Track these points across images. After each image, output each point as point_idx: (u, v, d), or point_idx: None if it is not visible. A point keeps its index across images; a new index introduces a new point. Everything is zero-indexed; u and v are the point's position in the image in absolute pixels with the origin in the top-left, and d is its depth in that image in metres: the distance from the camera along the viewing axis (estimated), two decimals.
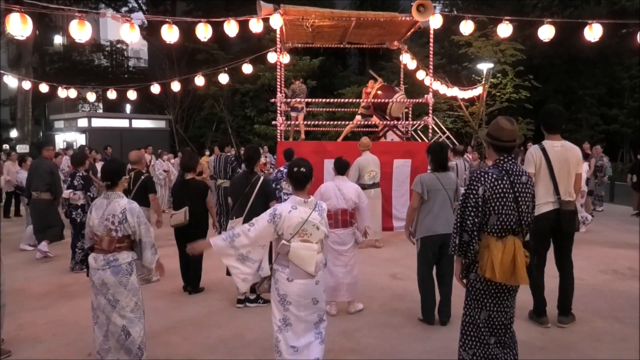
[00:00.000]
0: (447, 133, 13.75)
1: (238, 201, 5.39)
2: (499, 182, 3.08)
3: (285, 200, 7.38)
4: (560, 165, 4.64)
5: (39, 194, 7.56)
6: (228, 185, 8.69)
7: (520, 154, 9.13)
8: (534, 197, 3.23)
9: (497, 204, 3.07)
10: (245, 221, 5.16)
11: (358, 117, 11.25)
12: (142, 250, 3.83)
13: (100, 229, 3.70)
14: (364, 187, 7.67)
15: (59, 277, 6.72)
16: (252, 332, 4.76)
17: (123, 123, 23.75)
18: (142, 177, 6.45)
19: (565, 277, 4.84)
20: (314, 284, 3.36)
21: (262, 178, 5.43)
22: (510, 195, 3.09)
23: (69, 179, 7.16)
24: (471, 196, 3.08)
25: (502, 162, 3.16)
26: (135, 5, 29.67)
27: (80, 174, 7.02)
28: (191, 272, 6.05)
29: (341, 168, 5.46)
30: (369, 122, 11.50)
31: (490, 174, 3.10)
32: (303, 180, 3.40)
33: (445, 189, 4.80)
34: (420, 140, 12.35)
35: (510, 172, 3.12)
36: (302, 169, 3.39)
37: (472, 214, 3.07)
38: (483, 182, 3.07)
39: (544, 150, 4.68)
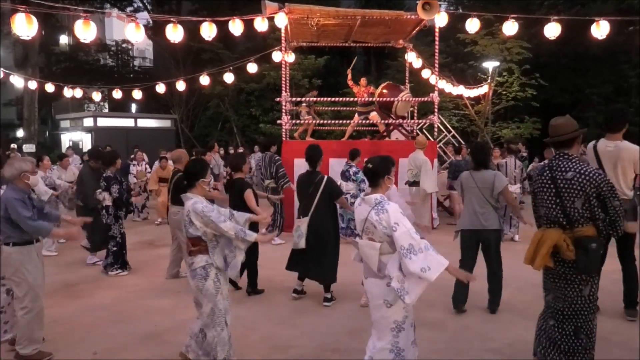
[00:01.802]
0: (453, 132, 13.69)
1: (303, 201, 5.54)
2: (540, 177, 3.42)
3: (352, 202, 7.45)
4: (613, 164, 4.71)
5: (78, 200, 7.69)
6: (275, 186, 8.63)
7: (505, 153, 9.10)
8: (588, 194, 3.25)
9: (540, 197, 3.45)
10: (310, 221, 5.37)
11: (356, 116, 11.22)
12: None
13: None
14: (407, 183, 8.68)
15: (65, 276, 6.74)
16: (257, 331, 4.75)
17: (129, 122, 23.84)
18: (176, 176, 6.35)
19: (626, 271, 4.95)
20: (384, 285, 3.24)
21: (326, 177, 5.52)
22: (551, 190, 3.34)
23: (104, 183, 6.99)
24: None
25: (553, 158, 3.42)
26: (140, 4, 29.71)
27: (105, 175, 6.92)
28: (247, 274, 5.95)
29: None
30: (369, 121, 11.45)
31: (537, 169, 3.47)
32: (369, 175, 3.41)
33: (479, 187, 5.00)
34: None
35: (554, 167, 3.35)
36: (369, 165, 3.40)
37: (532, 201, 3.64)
38: (532, 177, 3.51)
39: (595, 148, 4.83)
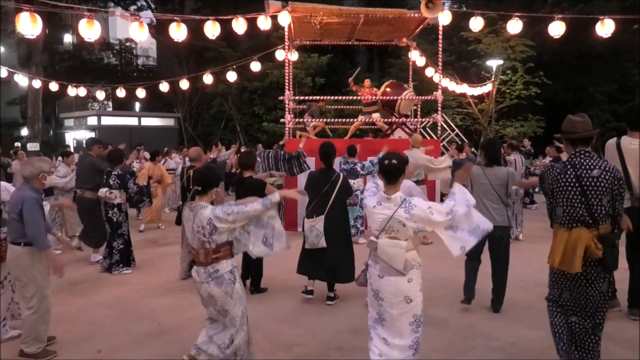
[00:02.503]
0: (456, 130, 13.68)
1: (316, 199, 5.38)
2: (562, 175, 3.31)
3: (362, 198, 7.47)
4: (637, 162, 4.67)
5: (82, 191, 7.45)
6: (281, 183, 8.63)
7: (509, 150, 9.06)
8: (613, 191, 3.30)
9: (562, 196, 3.31)
10: (326, 220, 5.30)
11: (361, 117, 11.19)
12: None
13: (195, 243, 3.61)
14: None
15: (69, 274, 6.71)
16: (261, 329, 4.76)
17: (132, 121, 23.91)
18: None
19: (633, 270, 4.92)
20: (405, 282, 3.28)
21: (342, 176, 5.49)
22: (576, 189, 3.27)
23: (105, 177, 7.00)
24: (544, 186, 3.51)
25: (574, 156, 3.34)
26: (144, 3, 29.77)
27: (116, 173, 6.93)
28: (252, 272, 5.97)
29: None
30: (371, 120, 11.47)
31: (555, 168, 3.37)
32: (395, 172, 3.33)
33: (491, 183, 4.99)
34: (429, 138, 12.29)
35: (577, 165, 3.29)
36: (394, 161, 3.32)
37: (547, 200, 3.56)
38: (548, 176, 3.36)
39: (618, 145, 4.75)
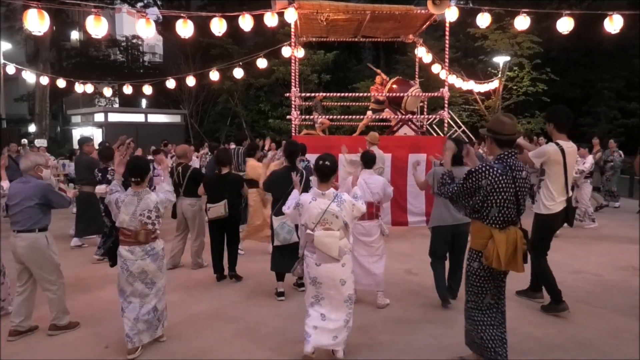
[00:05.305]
0: (463, 127, 13.61)
1: (284, 197, 5.19)
2: (503, 177, 3.29)
3: None
4: (570, 165, 4.91)
5: (80, 186, 7.67)
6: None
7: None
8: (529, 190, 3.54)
9: (499, 197, 3.29)
10: None
11: (369, 113, 11.19)
12: None
13: (134, 224, 4.05)
14: None
15: (75, 271, 6.78)
16: (266, 326, 4.77)
17: (139, 118, 23.97)
18: (190, 169, 6.73)
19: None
20: (340, 266, 3.74)
21: (305, 173, 5.55)
22: (511, 190, 3.32)
23: (99, 174, 7.02)
24: (469, 182, 3.33)
25: (506, 157, 3.37)
26: (151, 0, 29.82)
27: (114, 169, 7.03)
28: (230, 258, 6.35)
29: (368, 162, 5.45)
30: (381, 117, 11.45)
31: (495, 168, 3.29)
32: (327, 172, 3.77)
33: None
34: (435, 135, 12.25)
35: (513, 167, 3.34)
36: (327, 162, 3.75)
37: (462, 195, 3.42)
38: (486, 176, 3.27)
39: (562, 150, 4.84)
